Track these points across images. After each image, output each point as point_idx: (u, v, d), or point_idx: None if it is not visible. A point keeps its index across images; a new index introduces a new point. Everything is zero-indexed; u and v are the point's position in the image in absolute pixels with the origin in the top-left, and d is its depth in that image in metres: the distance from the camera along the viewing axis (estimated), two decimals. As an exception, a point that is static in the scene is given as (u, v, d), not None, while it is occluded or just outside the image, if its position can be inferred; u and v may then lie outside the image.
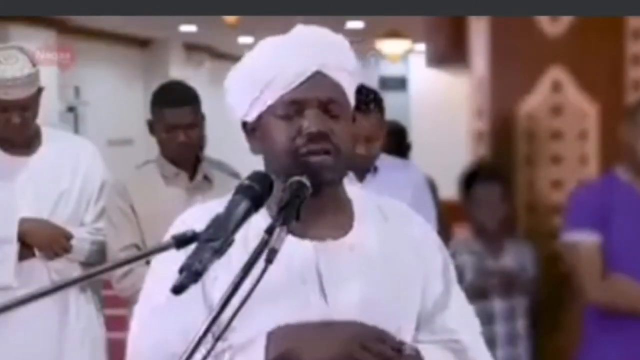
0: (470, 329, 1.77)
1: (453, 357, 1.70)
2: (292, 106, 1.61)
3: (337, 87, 1.65)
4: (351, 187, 1.75)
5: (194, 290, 1.38)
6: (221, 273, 1.51)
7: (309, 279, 1.60)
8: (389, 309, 1.64)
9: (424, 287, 1.70)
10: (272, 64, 1.62)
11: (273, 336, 1.56)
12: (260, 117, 1.65)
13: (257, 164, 1.67)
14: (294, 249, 1.58)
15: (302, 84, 1.61)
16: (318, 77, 1.63)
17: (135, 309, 1.68)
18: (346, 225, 1.68)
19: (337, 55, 1.67)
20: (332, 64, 1.64)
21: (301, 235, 1.60)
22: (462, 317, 1.75)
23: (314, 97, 1.61)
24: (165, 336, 1.58)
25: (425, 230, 1.78)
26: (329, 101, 1.62)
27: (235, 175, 3.37)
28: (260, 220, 1.51)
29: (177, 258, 1.41)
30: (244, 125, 1.69)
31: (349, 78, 1.68)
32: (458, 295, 1.77)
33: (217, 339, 1.37)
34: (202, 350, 1.35)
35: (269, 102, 1.62)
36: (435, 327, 1.71)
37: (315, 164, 1.58)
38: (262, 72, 1.62)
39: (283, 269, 1.53)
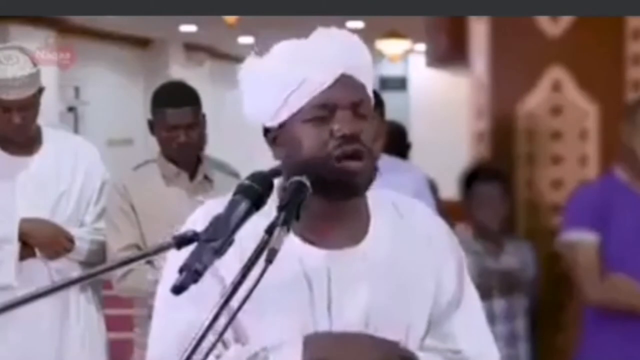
0: (479, 336, 1.75)
1: None
2: (323, 109, 1.59)
3: (363, 88, 1.65)
4: None
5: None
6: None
7: (317, 287, 1.60)
8: (397, 317, 1.64)
9: (437, 286, 1.70)
10: (299, 68, 1.60)
11: (310, 342, 1.56)
12: (284, 124, 1.62)
13: (256, 164, 1.67)
14: (308, 256, 1.59)
15: (330, 87, 1.60)
16: (345, 80, 1.61)
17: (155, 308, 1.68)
18: (362, 231, 1.67)
19: (360, 57, 1.66)
20: (357, 66, 1.64)
21: (318, 243, 1.61)
22: (470, 323, 1.74)
23: (346, 98, 1.60)
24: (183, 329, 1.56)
25: (439, 228, 1.78)
26: (358, 102, 1.61)
27: (235, 175, 3.36)
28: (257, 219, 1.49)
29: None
30: (266, 131, 1.67)
31: (370, 78, 1.67)
32: (471, 299, 1.76)
33: (218, 338, 1.37)
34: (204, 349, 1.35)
35: (296, 107, 1.60)
36: (443, 332, 1.70)
37: (350, 169, 1.57)
38: (289, 76, 1.60)
39: (294, 276, 1.55)
